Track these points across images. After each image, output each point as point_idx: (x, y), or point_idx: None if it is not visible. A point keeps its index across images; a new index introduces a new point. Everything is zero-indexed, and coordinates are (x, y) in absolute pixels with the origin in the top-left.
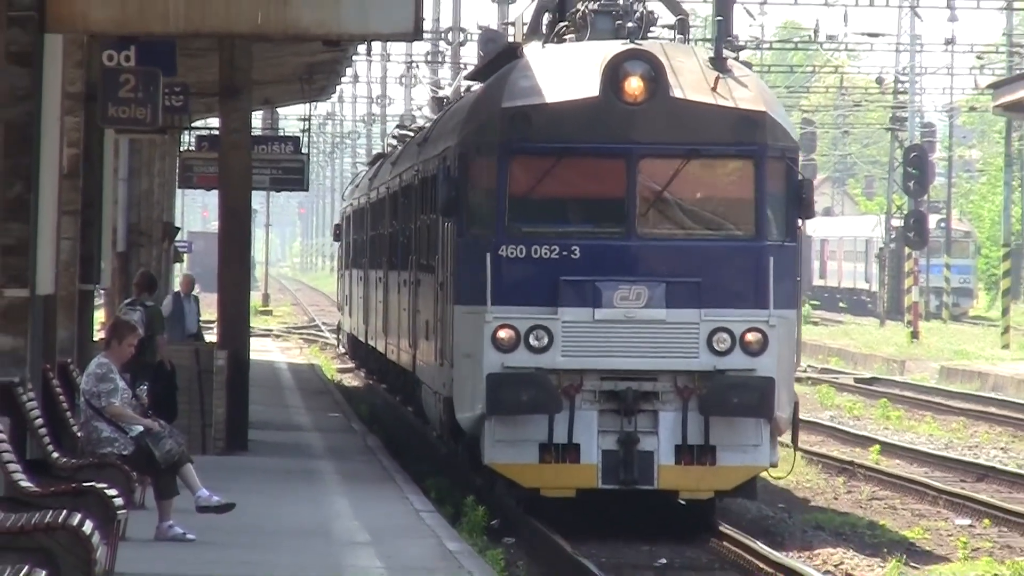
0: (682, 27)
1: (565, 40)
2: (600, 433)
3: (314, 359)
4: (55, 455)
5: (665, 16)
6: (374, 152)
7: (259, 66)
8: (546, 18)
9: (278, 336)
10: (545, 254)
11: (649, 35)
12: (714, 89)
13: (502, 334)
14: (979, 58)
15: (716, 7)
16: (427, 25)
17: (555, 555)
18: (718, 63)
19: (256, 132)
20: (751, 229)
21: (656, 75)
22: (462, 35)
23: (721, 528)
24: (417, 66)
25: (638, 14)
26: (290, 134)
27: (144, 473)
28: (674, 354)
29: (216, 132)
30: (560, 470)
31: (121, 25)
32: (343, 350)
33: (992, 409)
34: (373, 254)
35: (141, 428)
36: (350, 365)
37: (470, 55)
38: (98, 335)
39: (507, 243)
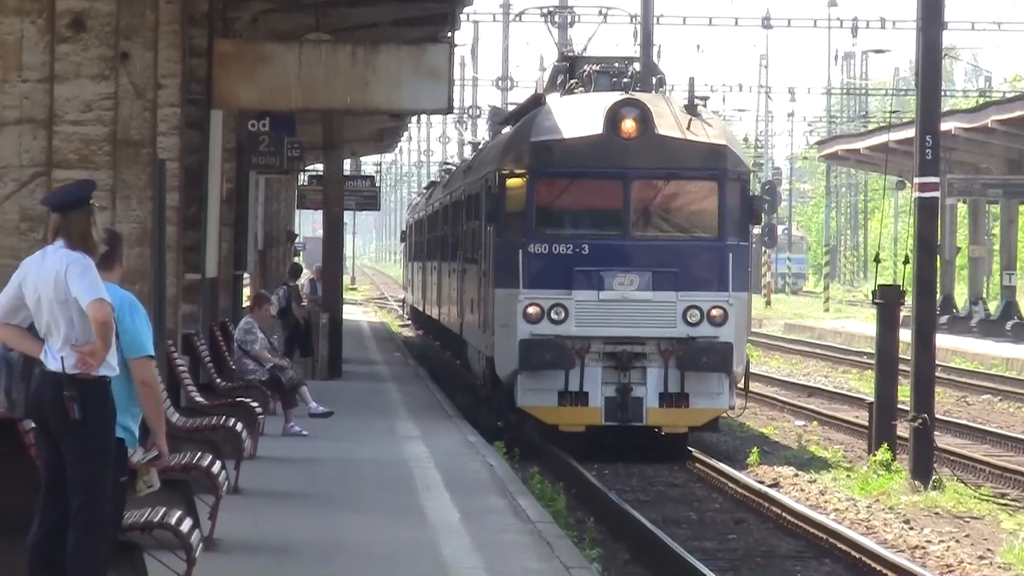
0: (660, 83)
1: (575, 92)
2: (603, 384)
3: (384, 319)
4: (217, 380)
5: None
6: (424, 184)
7: (348, 130)
8: (560, 79)
9: (360, 304)
10: (562, 250)
11: (637, 89)
12: (688, 128)
13: (530, 310)
14: (809, 125)
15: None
16: (456, 104)
17: (557, 459)
18: (690, 109)
19: (346, 172)
20: (715, 232)
21: (645, 118)
22: (477, 110)
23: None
24: (448, 123)
25: (629, 73)
26: (367, 174)
27: (275, 392)
28: (658, 325)
29: (321, 173)
30: (573, 411)
31: (260, 104)
32: (407, 317)
33: (818, 351)
34: (430, 250)
35: (273, 363)
36: (408, 323)
37: (482, 119)
38: (245, 303)
39: (534, 242)
